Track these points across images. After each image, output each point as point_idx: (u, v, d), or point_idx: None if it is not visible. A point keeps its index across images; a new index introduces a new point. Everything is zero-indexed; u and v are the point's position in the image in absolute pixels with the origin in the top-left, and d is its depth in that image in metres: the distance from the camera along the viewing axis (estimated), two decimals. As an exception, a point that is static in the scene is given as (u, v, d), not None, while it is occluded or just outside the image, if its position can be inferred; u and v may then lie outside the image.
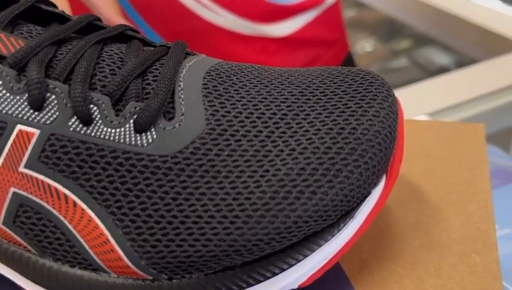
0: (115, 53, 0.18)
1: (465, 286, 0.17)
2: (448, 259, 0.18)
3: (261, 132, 0.16)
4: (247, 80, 0.18)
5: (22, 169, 0.16)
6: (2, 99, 0.16)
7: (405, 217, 0.20)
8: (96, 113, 0.16)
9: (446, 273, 0.18)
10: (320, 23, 0.54)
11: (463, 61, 0.82)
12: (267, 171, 0.16)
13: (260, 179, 0.16)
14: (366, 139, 0.16)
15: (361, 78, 0.18)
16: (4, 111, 0.16)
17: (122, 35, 0.19)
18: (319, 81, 0.18)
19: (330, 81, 0.18)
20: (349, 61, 0.63)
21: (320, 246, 0.16)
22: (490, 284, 0.17)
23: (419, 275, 0.18)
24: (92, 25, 0.19)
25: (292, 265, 0.16)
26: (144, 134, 0.16)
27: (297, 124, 0.16)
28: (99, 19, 0.19)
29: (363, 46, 1.09)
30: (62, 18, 0.19)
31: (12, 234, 0.17)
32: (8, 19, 0.17)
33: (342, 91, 0.17)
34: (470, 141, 0.24)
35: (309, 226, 0.16)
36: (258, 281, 0.16)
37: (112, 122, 0.16)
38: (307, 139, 0.16)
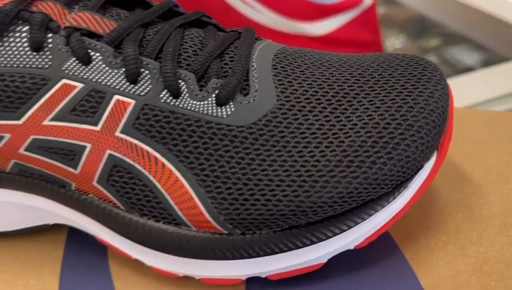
0: (195, 36, 0.20)
1: (505, 254, 0.19)
2: (489, 230, 0.20)
3: (325, 108, 0.18)
4: (310, 62, 0.20)
5: (117, 134, 0.18)
6: (101, 72, 0.18)
7: (448, 193, 0.22)
8: (183, 88, 0.18)
9: (487, 243, 0.19)
10: (357, 25, 0.55)
11: (493, 60, 0.82)
12: (331, 142, 0.18)
13: (325, 150, 0.17)
14: (422, 116, 0.18)
15: (415, 62, 0.19)
16: (103, 82, 0.18)
17: (198, 21, 0.21)
18: (377, 65, 0.20)
19: (387, 65, 0.19)
20: None
21: (376, 211, 0.18)
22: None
23: (462, 243, 0.20)
24: (171, 10, 0.21)
25: (351, 227, 0.18)
26: (223, 107, 0.18)
27: (358, 102, 0.18)
28: (177, 5, 0.21)
29: (393, 43, 1.10)
30: (144, 3, 0.21)
31: (104, 191, 0.19)
32: (101, 3, 0.19)
33: (399, 74, 0.19)
34: (508, 128, 0.26)
35: (368, 192, 0.17)
36: (320, 240, 0.18)
37: (196, 96, 0.18)
38: (367, 116, 0.18)
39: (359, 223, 0.18)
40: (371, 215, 0.18)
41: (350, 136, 0.18)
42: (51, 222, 0.22)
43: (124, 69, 0.18)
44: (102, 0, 0.19)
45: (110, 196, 0.19)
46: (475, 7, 0.76)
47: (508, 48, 0.70)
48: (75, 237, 0.22)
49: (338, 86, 0.19)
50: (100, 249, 0.21)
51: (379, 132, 0.17)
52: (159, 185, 0.18)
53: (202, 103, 0.18)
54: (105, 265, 0.21)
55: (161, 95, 0.18)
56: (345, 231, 0.18)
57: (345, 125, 0.18)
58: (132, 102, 0.18)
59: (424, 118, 0.18)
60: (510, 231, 0.20)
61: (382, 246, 0.20)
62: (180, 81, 0.18)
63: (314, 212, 0.17)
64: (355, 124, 0.18)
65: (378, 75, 0.19)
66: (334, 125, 0.18)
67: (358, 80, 0.19)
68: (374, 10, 0.59)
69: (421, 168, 0.18)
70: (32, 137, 0.18)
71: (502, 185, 0.22)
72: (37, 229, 0.22)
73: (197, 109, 0.18)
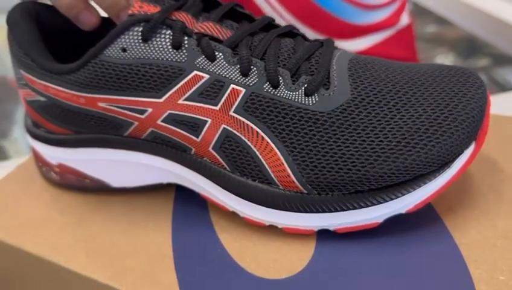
0: (288, 44, 0.25)
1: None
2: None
3: (388, 102, 0.23)
4: (378, 67, 0.25)
5: (231, 113, 0.24)
6: (222, 68, 0.24)
7: (482, 178, 0.26)
8: (281, 81, 0.24)
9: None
10: (393, 42, 0.58)
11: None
12: (393, 128, 0.23)
13: (387, 133, 0.23)
14: (464, 112, 0.23)
15: (462, 72, 0.24)
16: (223, 75, 0.24)
17: (291, 32, 0.26)
18: (431, 72, 0.24)
19: (439, 72, 0.24)
20: None
21: (425, 184, 0.23)
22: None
23: (492, 217, 0.24)
24: (270, 24, 0.26)
25: (403, 195, 0.23)
26: (310, 97, 0.23)
27: (415, 99, 0.23)
28: (273, 20, 0.27)
29: (443, 61, 1.12)
30: (248, 17, 0.27)
31: (216, 155, 0.25)
32: (219, 17, 0.25)
33: (448, 80, 0.24)
34: None
35: (419, 168, 0.22)
36: (379, 203, 0.23)
37: (290, 88, 0.23)
38: (422, 110, 0.23)
39: (410, 192, 0.23)
40: (420, 186, 0.23)
41: (408, 124, 0.23)
42: (167, 181, 0.28)
43: (239, 66, 0.24)
44: (220, 14, 0.25)
45: (220, 159, 0.25)
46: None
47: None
48: (182, 194, 0.28)
49: (400, 86, 0.24)
50: (202, 203, 0.27)
51: (430, 122, 0.22)
52: (258, 153, 0.24)
53: (294, 93, 0.23)
54: (207, 215, 0.27)
55: (264, 86, 0.23)
56: (399, 197, 0.23)
57: (404, 115, 0.23)
58: (243, 90, 0.23)
59: (466, 114, 0.23)
60: (533, 210, 0.24)
61: (427, 214, 0.25)
62: (278, 76, 0.24)
63: (376, 181, 0.22)
64: (412, 115, 0.23)
65: (432, 79, 0.24)
66: (395, 115, 0.23)
67: (416, 82, 0.24)
68: (411, 29, 0.62)
69: (461, 153, 0.23)
70: (168, 112, 0.24)
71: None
72: (154, 187, 0.28)
73: (290, 98, 0.23)
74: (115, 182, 0.28)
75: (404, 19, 0.59)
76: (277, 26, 0.27)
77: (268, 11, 0.52)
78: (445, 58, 1.12)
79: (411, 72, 0.25)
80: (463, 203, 0.25)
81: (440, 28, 1.19)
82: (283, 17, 0.52)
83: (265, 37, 0.25)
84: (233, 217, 0.26)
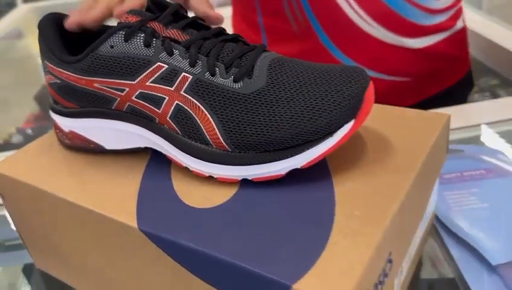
0: (231, 46, 0.34)
1: (377, 185, 0.31)
2: (382, 170, 0.32)
3: (291, 88, 0.32)
4: (291, 65, 0.33)
5: (182, 92, 0.33)
6: (178, 60, 0.33)
7: (367, 147, 0.34)
8: (217, 71, 0.33)
9: (381, 175, 0.32)
10: (449, 43, 0.68)
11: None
12: (292, 106, 0.31)
13: (288, 109, 0.31)
14: (346, 94, 0.31)
15: (352, 69, 0.32)
16: (178, 66, 0.33)
17: (235, 38, 0.35)
18: (329, 68, 0.33)
19: (335, 69, 0.33)
20: (468, 77, 0.76)
21: (313, 147, 0.31)
22: (387, 200, 0.31)
23: (367, 174, 0.32)
24: (221, 32, 0.36)
25: (298, 154, 0.31)
26: (237, 83, 0.32)
27: (311, 86, 0.32)
28: (224, 30, 0.36)
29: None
30: (207, 27, 0.36)
31: (172, 123, 0.34)
32: (183, 26, 0.35)
33: (340, 73, 0.32)
34: (427, 126, 0.37)
35: (309, 135, 0.31)
36: (281, 159, 0.31)
37: (223, 76, 0.32)
38: (315, 93, 0.31)
39: (303, 152, 0.31)
40: (309, 149, 0.31)
41: (305, 103, 0.31)
42: (144, 145, 0.37)
43: (188, 60, 0.33)
44: (183, 24, 0.35)
45: (175, 126, 0.34)
46: None
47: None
48: (154, 156, 0.38)
49: (301, 77, 0.32)
50: (166, 162, 0.36)
51: (319, 102, 0.31)
52: (199, 122, 0.33)
53: (226, 80, 0.32)
54: (168, 170, 0.36)
55: (205, 74, 0.33)
56: (294, 156, 0.31)
57: (300, 97, 0.31)
58: (190, 76, 0.33)
59: (345, 97, 0.31)
60: (384, 180, 0.32)
61: (320, 168, 0.33)
62: (216, 68, 0.33)
63: (278, 143, 0.31)
64: (306, 97, 0.31)
65: (327, 73, 0.32)
66: (294, 97, 0.31)
67: (315, 74, 0.32)
68: (464, 32, 0.71)
69: (341, 126, 0.31)
70: (139, 90, 0.34)
71: (392, 161, 0.34)
72: (135, 150, 0.38)
73: (223, 83, 0.32)
74: (108, 145, 0.38)
75: (460, 23, 0.69)
76: (227, 34, 0.36)
77: (349, 11, 0.61)
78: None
79: (314, 68, 0.33)
80: (350, 163, 0.33)
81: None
82: (362, 17, 0.62)
83: (213, 41, 0.34)
84: (186, 170, 0.35)
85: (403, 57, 0.65)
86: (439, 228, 0.43)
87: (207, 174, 0.34)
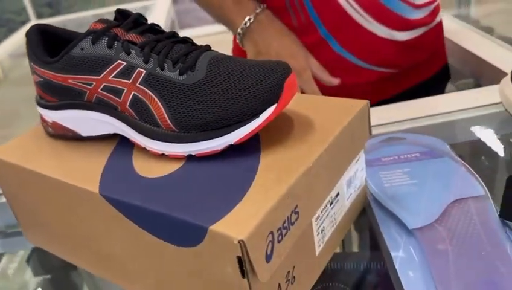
0: (179, 47, 0.41)
1: (293, 155, 0.37)
2: (292, 146, 0.39)
3: (225, 79, 0.38)
4: (228, 61, 0.40)
5: (137, 84, 0.40)
6: (134, 58, 0.40)
7: (294, 126, 0.41)
8: (166, 67, 0.39)
9: (289, 151, 0.38)
10: (429, 36, 0.76)
11: None
12: (224, 93, 0.38)
13: (222, 95, 0.38)
14: (268, 83, 0.37)
15: (276, 63, 0.39)
16: (134, 62, 0.40)
17: (185, 40, 0.42)
18: (259, 62, 0.40)
19: (263, 62, 0.39)
20: (445, 70, 0.83)
21: (244, 126, 0.38)
22: (297, 165, 0.37)
23: (291, 149, 0.38)
24: (174, 35, 0.43)
25: (230, 132, 0.38)
26: (182, 75, 0.39)
27: (242, 78, 0.38)
28: (177, 34, 0.43)
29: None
30: (163, 32, 0.43)
31: (131, 111, 0.41)
32: (141, 30, 0.42)
33: (266, 66, 0.39)
34: (344, 110, 0.43)
35: (240, 116, 0.37)
36: (217, 137, 0.38)
37: (171, 70, 0.39)
38: (244, 82, 0.38)
39: (236, 130, 0.38)
40: (239, 128, 0.38)
41: (236, 90, 0.38)
42: (112, 131, 0.44)
43: (143, 58, 0.40)
44: (142, 29, 0.42)
45: (133, 113, 0.41)
46: None
47: None
48: (121, 141, 0.44)
49: (235, 71, 0.39)
50: (130, 145, 0.43)
51: (248, 89, 0.37)
52: (151, 108, 0.39)
53: (173, 73, 0.39)
54: (131, 151, 0.43)
55: (156, 69, 0.39)
56: (229, 133, 0.38)
57: (235, 85, 0.38)
58: (144, 71, 0.40)
59: (268, 86, 0.37)
60: (297, 152, 0.38)
61: (252, 144, 0.39)
62: (165, 64, 0.40)
63: (213, 124, 0.38)
64: (240, 86, 0.38)
65: (255, 68, 0.39)
66: (229, 85, 0.38)
67: (246, 69, 0.39)
68: (442, 27, 0.80)
69: (264, 110, 0.38)
70: (104, 84, 0.41)
71: (306, 137, 0.40)
72: (106, 136, 0.45)
73: (170, 76, 0.39)
74: (83, 132, 0.45)
75: (438, 18, 0.77)
76: (178, 37, 0.43)
77: (345, 5, 0.70)
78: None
79: (245, 63, 0.40)
80: (276, 139, 0.40)
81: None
82: (357, 11, 0.69)
83: (165, 43, 0.41)
84: (144, 150, 0.42)
85: (393, 49, 0.73)
86: (371, 202, 0.49)
87: (160, 152, 0.40)
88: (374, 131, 0.60)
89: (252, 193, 0.34)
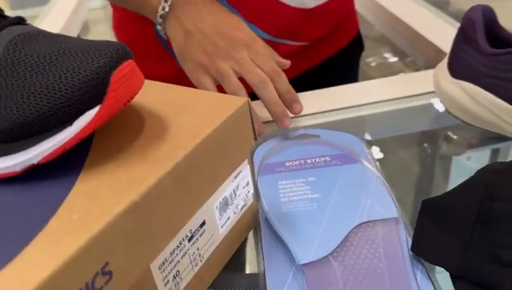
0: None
1: (121, 181, 0.26)
2: (127, 164, 0.27)
3: (27, 67, 0.26)
4: (38, 41, 0.28)
5: None
6: None
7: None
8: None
9: (119, 172, 0.27)
10: (339, 2, 0.66)
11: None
12: (26, 88, 0.26)
13: (20, 91, 0.26)
14: (85, 75, 0.25)
15: (107, 43, 0.27)
16: None
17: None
18: (80, 45, 0.27)
19: (94, 43, 0.27)
20: (358, 38, 0.76)
21: (50, 138, 0.26)
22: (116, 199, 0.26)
23: (102, 170, 0.27)
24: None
25: (30, 146, 0.26)
26: None
27: (50, 66, 0.26)
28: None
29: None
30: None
31: None
32: None
33: (87, 49, 0.27)
34: (214, 111, 0.31)
35: (43, 123, 0.25)
36: (12, 153, 0.26)
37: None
38: (50, 74, 0.26)
39: (38, 143, 0.26)
40: (46, 139, 0.26)
41: (39, 84, 0.25)
42: None
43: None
44: None
45: None
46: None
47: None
48: None
49: (43, 56, 0.27)
50: None
51: (56, 83, 0.25)
52: None
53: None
54: None
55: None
56: (28, 148, 0.26)
57: (38, 77, 0.26)
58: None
59: (82, 80, 0.25)
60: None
61: (72, 162, 0.28)
62: None
63: (8, 134, 0.26)
64: (45, 78, 0.25)
65: (74, 51, 0.27)
66: (30, 77, 0.26)
67: (60, 52, 0.27)
68: None
69: (82, 114, 0.26)
70: None
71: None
72: None
73: None
74: None
75: None
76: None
77: None
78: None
79: (62, 44, 0.27)
80: (112, 152, 0.28)
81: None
82: None
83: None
84: None
85: (299, 18, 0.62)
86: (262, 222, 0.38)
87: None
88: (292, 124, 0.49)
89: (35, 247, 0.22)
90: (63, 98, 0.25)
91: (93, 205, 0.24)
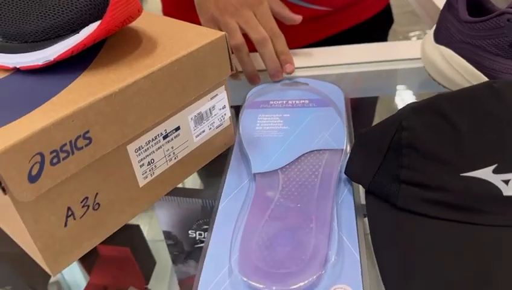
0: None
1: (105, 81, 0.34)
2: (118, 70, 0.35)
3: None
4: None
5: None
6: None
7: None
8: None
9: (111, 75, 0.35)
10: None
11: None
12: (45, 3, 0.34)
13: (41, 5, 0.34)
14: (81, 6, 0.33)
15: None
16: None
17: None
18: None
19: None
20: (387, 11, 0.77)
21: (63, 41, 0.34)
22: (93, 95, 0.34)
23: (100, 71, 0.35)
24: None
25: (49, 46, 0.35)
26: None
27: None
28: None
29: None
30: None
31: None
32: None
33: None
34: (195, 39, 0.39)
35: (57, 30, 0.34)
36: (35, 50, 0.35)
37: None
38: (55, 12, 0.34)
39: (54, 44, 0.34)
40: (59, 42, 0.34)
41: (55, 1, 0.34)
42: None
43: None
44: None
45: None
46: None
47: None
48: None
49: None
50: None
51: (67, 1, 0.34)
52: None
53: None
54: None
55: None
56: (47, 47, 0.35)
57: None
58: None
59: (90, 1, 0.33)
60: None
61: (78, 62, 0.36)
62: None
63: (33, 36, 0.34)
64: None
65: None
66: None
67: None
68: None
69: (86, 25, 0.34)
70: None
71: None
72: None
73: None
74: None
75: None
76: None
77: None
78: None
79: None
80: (108, 59, 0.36)
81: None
82: None
83: None
84: None
85: None
86: (236, 144, 0.46)
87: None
88: (295, 73, 0.56)
89: (38, 112, 0.31)
90: (72, 12, 0.34)
91: (84, 90, 0.33)
